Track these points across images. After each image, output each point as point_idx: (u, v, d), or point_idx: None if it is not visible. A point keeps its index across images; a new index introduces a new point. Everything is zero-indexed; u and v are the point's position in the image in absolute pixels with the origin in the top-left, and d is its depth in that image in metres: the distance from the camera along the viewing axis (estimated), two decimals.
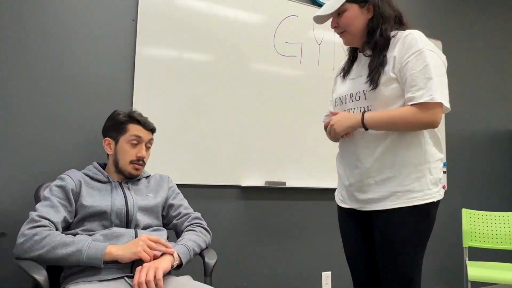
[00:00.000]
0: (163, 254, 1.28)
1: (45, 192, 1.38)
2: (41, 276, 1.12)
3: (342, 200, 1.46)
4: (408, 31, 1.29)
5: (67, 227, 1.35)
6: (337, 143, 1.52)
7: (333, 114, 1.39)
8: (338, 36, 1.44)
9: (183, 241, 1.38)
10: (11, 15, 1.80)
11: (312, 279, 2.46)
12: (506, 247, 2.45)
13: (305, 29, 2.56)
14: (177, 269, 1.32)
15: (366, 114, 1.28)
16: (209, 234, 1.50)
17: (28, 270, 1.14)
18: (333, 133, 1.36)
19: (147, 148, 1.53)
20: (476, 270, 2.25)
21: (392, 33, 1.31)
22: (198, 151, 2.15)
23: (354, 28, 1.34)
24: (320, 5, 2.61)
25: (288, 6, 2.50)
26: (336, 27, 1.39)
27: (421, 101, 1.19)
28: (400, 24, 1.35)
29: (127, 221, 1.39)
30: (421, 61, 1.21)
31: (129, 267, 1.27)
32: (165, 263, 1.24)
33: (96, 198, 1.38)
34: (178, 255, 1.30)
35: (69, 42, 1.91)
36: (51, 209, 1.29)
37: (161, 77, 2.09)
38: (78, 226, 1.35)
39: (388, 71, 1.27)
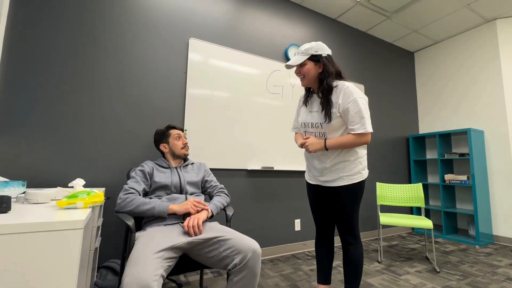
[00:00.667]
0: (202, 209, 1.29)
1: (132, 173, 1.38)
2: (130, 222, 1.13)
3: (309, 179, 1.44)
4: (346, 84, 1.25)
5: (146, 194, 1.35)
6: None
7: (306, 138, 1.32)
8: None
9: (213, 202, 1.38)
10: (110, 65, 1.81)
11: (289, 223, 2.45)
12: (402, 204, 2.45)
13: (285, 78, 2.55)
14: (210, 218, 1.32)
15: (327, 141, 1.26)
16: (229, 197, 1.50)
17: (123, 218, 1.14)
18: (306, 150, 1.30)
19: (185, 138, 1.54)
20: (384, 218, 2.24)
21: (335, 84, 1.27)
22: (222, 148, 2.14)
23: (309, 76, 1.31)
24: None
25: (274, 64, 2.49)
26: (298, 73, 1.32)
27: (359, 132, 1.20)
28: (340, 77, 1.31)
29: (181, 190, 1.39)
30: (356, 106, 1.20)
31: (182, 217, 1.28)
32: (203, 215, 1.24)
33: (162, 177, 1.38)
34: (211, 210, 1.30)
35: (146, 86, 1.91)
36: (136, 183, 1.29)
37: (201, 105, 2.08)
38: (152, 193, 1.35)
39: (336, 112, 1.25)
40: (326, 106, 1.26)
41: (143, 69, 1.91)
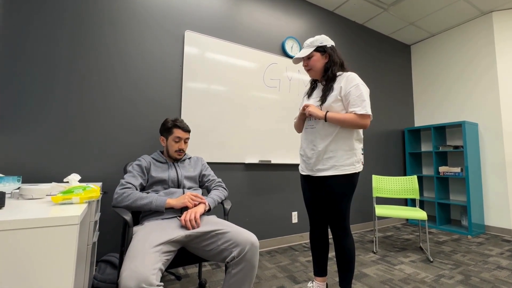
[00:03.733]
0: (199, 203, 1.28)
1: (129, 168, 1.36)
2: (127, 216, 1.12)
3: (302, 170, 1.44)
4: (349, 73, 1.30)
5: (143, 188, 1.34)
6: (300, 138, 1.50)
7: (307, 105, 1.34)
8: (302, 75, 1.41)
9: (211, 195, 1.37)
10: (107, 64, 1.76)
11: (286, 216, 2.47)
12: (397, 196, 2.47)
13: (281, 71, 2.52)
14: (207, 212, 1.31)
15: (328, 113, 1.27)
16: (227, 191, 1.49)
17: (121, 213, 1.13)
18: (307, 110, 1.31)
19: (185, 142, 1.46)
20: (380, 210, 2.26)
21: (338, 73, 1.32)
22: (219, 142, 2.13)
23: (317, 67, 1.34)
24: (290, 57, 2.58)
25: (271, 57, 2.46)
26: (306, 65, 1.37)
27: (360, 113, 1.21)
28: (342, 68, 1.34)
29: (178, 184, 1.38)
30: (358, 90, 1.23)
31: (180, 211, 1.27)
32: (201, 208, 1.23)
33: (159, 171, 1.37)
34: (208, 204, 1.29)
35: (142, 79, 1.88)
36: (132, 178, 1.28)
37: (197, 99, 2.06)
38: (150, 188, 1.34)
39: (335, 95, 1.27)
40: (326, 91, 1.29)
41: (138, 62, 1.87)
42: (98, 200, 1.42)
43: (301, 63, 1.46)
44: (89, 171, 1.65)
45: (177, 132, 1.43)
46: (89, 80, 1.70)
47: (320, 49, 1.33)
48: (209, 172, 1.55)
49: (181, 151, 1.44)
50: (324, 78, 1.34)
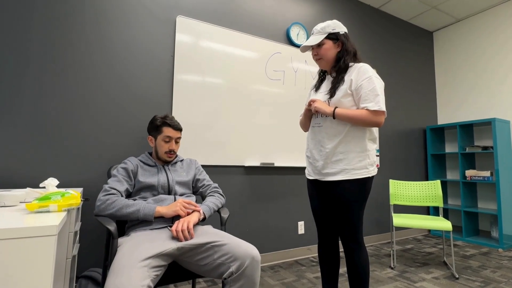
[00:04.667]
0: (193, 211, 1.28)
1: (113, 171, 1.37)
2: (112, 226, 1.12)
3: (308, 174, 1.44)
4: (361, 64, 1.30)
5: (129, 195, 1.34)
6: (306, 137, 1.50)
7: (313, 100, 1.34)
8: (310, 65, 1.42)
9: (206, 203, 1.37)
10: (91, 56, 1.77)
11: (291, 226, 2.46)
12: (417, 204, 2.46)
13: (286, 62, 2.53)
14: (202, 221, 1.31)
15: (337, 109, 1.27)
16: (224, 197, 1.49)
17: (104, 223, 1.13)
18: (313, 106, 1.32)
19: (176, 142, 1.46)
20: (398, 219, 2.26)
21: (350, 64, 1.31)
22: (215, 143, 2.13)
23: (328, 57, 1.34)
24: (296, 45, 2.58)
25: (274, 46, 2.47)
26: (315, 55, 1.36)
27: (373, 109, 1.21)
28: (355, 58, 1.34)
29: (169, 191, 1.38)
30: (371, 84, 1.23)
31: (171, 220, 1.27)
32: (194, 217, 1.23)
33: (147, 176, 1.37)
34: (203, 212, 1.29)
35: (127, 72, 1.88)
36: (117, 183, 1.28)
37: (191, 94, 2.06)
38: (137, 194, 1.34)
39: (345, 89, 1.27)
40: (336, 84, 1.29)
41: (123, 53, 1.87)
42: (78, 208, 1.42)
43: (308, 52, 1.45)
44: (68, 175, 1.65)
45: (167, 131, 1.43)
46: (67, 73, 1.71)
47: (332, 36, 1.32)
48: (204, 177, 1.54)
49: (171, 152, 1.44)
50: (334, 69, 1.34)
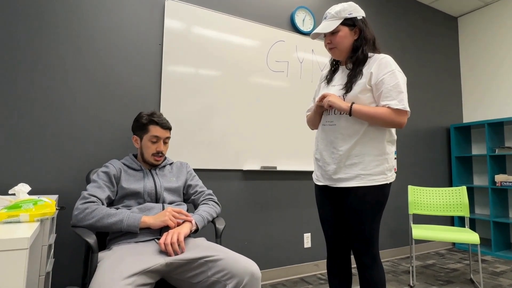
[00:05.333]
0: (184, 221, 1.28)
1: (93, 176, 1.36)
2: (91, 239, 1.11)
3: (317, 179, 1.44)
4: (382, 55, 1.29)
5: (111, 203, 1.34)
6: (315, 137, 1.50)
7: (326, 94, 1.33)
8: (317, 55, 1.42)
9: (199, 212, 1.37)
10: (69, 47, 1.77)
11: (296, 239, 2.46)
12: (440, 213, 2.46)
13: (290, 51, 2.53)
14: (194, 233, 1.31)
15: (354, 105, 1.25)
16: (219, 206, 1.49)
17: (82, 235, 1.13)
18: (325, 101, 1.30)
19: (165, 143, 1.47)
20: (418, 231, 2.26)
21: (369, 54, 1.31)
22: (210, 144, 2.13)
23: (343, 46, 1.32)
24: (301, 33, 2.58)
25: (277, 33, 2.47)
26: (329, 43, 1.34)
27: (396, 107, 1.21)
28: (374, 47, 1.33)
29: (156, 198, 1.38)
30: (393, 79, 1.23)
31: (159, 232, 1.28)
32: (185, 229, 1.23)
33: (132, 181, 1.37)
34: (196, 223, 1.30)
35: (110, 62, 1.89)
36: (98, 189, 1.28)
37: (182, 88, 2.07)
38: (120, 202, 1.34)
39: (364, 84, 1.27)
40: (353, 77, 1.28)
41: (103, 42, 1.87)
42: (53, 218, 1.42)
43: (317, 40, 1.46)
44: (41, 181, 1.65)
45: (154, 130, 1.43)
46: (38, 67, 1.71)
47: (349, 22, 1.30)
48: (197, 182, 1.54)
49: (159, 154, 1.45)
50: (351, 60, 1.33)
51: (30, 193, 1.15)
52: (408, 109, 1.22)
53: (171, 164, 1.55)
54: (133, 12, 1.97)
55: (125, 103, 1.91)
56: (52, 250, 1.49)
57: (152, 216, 1.26)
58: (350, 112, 1.26)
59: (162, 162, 1.50)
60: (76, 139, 1.76)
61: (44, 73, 1.71)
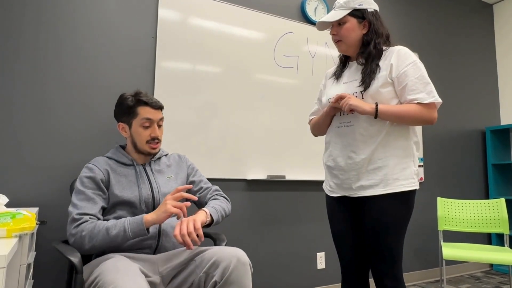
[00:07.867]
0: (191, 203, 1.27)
1: (77, 184, 1.30)
2: (75, 258, 1.11)
3: (331, 190, 1.43)
4: (399, 47, 1.32)
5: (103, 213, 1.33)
6: (325, 142, 1.49)
7: (342, 96, 1.29)
8: (332, 49, 1.44)
9: (211, 205, 1.37)
10: (58, 45, 1.80)
11: (308, 259, 2.44)
12: (475, 230, 2.43)
13: (300, 44, 2.54)
14: (208, 227, 1.30)
15: (380, 105, 1.25)
16: (229, 203, 1.48)
17: (65, 253, 1.13)
18: (345, 103, 1.26)
19: (159, 126, 1.42)
20: (450, 250, 2.23)
21: (383, 48, 1.33)
22: (208, 149, 2.14)
23: (350, 39, 1.35)
24: (312, 23, 2.59)
25: (285, 24, 2.49)
26: (334, 34, 1.38)
27: (426, 101, 1.22)
28: (388, 42, 1.36)
29: (154, 207, 1.34)
30: (417, 70, 1.25)
31: (155, 238, 1.30)
32: (201, 216, 1.25)
33: (125, 186, 1.33)
34: (210, 213, 1.29)
35: (96, 57, 1.91)
36: (87, 203, 1.25)
37: (177, 86, 2.08)
38: (111, 213, 1.31)
39: (385, 76, 1.28)
40: (371, 74, 1.29)
41: (89, 35, 1.90)
42: (32, 234, 1.43)
43: (328, 31, 1.46)
44: (18, 192, 1.66)
45: (145, 112, 1.37)
46: (16, 61, 1.73)
47: (357, 14, 1.33)
48: (200, 178, 1.52)
49: (155, 140, 1.39)
50: (363, 55, 1.34)
51: (7, 205, 1.16)
52: (439, 100, 1.24)
53: (167, 155, 1.53)
54: (122, 2, 2.00)
55: (112, 103, 1.92)
56: (31, 270, 1.50)
57: (153, 212, 1.22)
58: (376, 115, 1.26)
59: (157, 151, 1.46)
60: (58, 144, 1.77)
61: (20, 70, 1.74)
